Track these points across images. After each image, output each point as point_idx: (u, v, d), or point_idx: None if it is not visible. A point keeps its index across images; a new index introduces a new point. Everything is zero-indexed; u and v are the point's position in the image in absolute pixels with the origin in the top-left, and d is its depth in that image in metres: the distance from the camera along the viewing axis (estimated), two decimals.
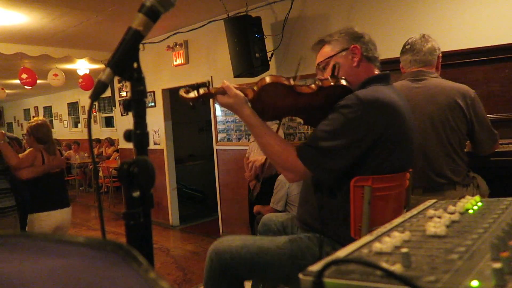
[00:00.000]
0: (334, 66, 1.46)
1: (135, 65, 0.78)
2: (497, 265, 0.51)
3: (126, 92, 6.11)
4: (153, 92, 5.63)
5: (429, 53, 2.10)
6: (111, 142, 9.25)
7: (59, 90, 10.97)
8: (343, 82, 1.44)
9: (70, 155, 9.01)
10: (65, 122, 12.31)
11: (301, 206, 1.63)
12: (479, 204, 0.92)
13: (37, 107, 13.71)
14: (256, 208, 3.55)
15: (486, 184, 2.16)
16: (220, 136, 4.97)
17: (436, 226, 0.74)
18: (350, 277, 0.54)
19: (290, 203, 3.23)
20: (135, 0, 1.59)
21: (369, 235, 0.75)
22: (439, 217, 0.82)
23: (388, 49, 2.30)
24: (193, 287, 3.62)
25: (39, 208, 3.16)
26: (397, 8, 3.29)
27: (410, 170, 1.54)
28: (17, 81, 6.22)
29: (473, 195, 1.25)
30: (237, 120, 4.73)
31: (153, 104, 5.68)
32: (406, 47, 2.15)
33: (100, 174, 7.88)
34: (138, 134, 0.77)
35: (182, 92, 1.45)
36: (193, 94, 1.44)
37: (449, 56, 2.62)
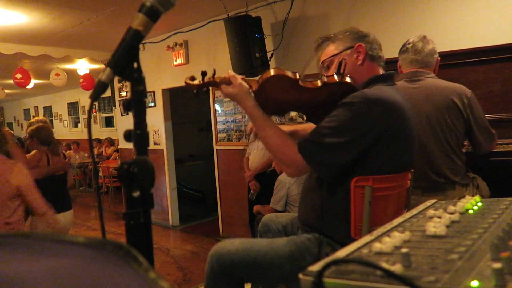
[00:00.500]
0: (340, 63, 1.46)
1: (135, 65, 0.78)
2: (497, 265, 0.51)
3: (126, 92, 6.11)
4: (153, 92, 5.63)
5: (430, 55, 2.10)
6: (111, 142, 9.26)
7: (59, 90, 10.98)
8: (348, 79, 1.44)
9: (70, 155, 9.00)
10: (65, 122, 12.31)
11: (301, 205, 1.63)
12: (479, 204, 0.92)
13: (37, 107, 13.71)
14: (256, 208, 3.55)
15: (487, 185, 2.16)
16: (220, 136, 4.97)
17: (436, 226, 0.74)
18: (350, 277, 0.54)
19: (290, 203, 3.23)
20: (135, 0, 1.59)
21: (369, 235, 0.75)
22: (439, 217, 0.82)
23: (388, 49, 2.30)
24: (193, 287, 3.62)
25: None
26: (397, 8, 3.29)
27: (412, 170, 1.54)
28: None
29: (473, 195, 1.25)
30: (237, 120, 4.73)
31: (153, 104, 5.68)
32: (407, 46, 2.15)
33: (100, 174, 7.88)
34: (138, 134, 0.77)
35: (187, 79, 1.46)
36: (197, 81, 1.45)
37: (449, 56, 2.63)
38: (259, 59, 3.72)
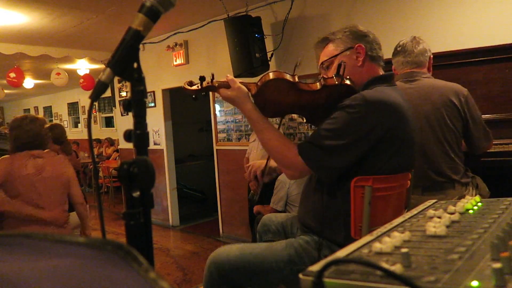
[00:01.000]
0: (339, 65, 1.45)
1: (135, 65, 0.78)
2: (497, 265, 0.51)
3: (126, 92, 6.11)
4: (153, 92, 5.63)
5: (420, 54, 2.12)
6: (111, 142, 9.26)
7: (59, 90, 10.98)
8: (348, 81, 1.44)
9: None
10: (65, 122, 12.29)
11: (301, 206, 1.63)
12: (479, 204, 0.92)
13: (37, 107, 13.69)
14: (256, 208, 3.55)
15: (486, 186, 2.16)
16: (220, 136, 4.97)
17: (436, 226, 0.74)
18: (350, 277, 0.54)
19: (290, 203, 3.23)
20: (135, 0, 1.59)
21: (369, 235, 0.75)
22: (439, 217, 0.82)
23: (388, 49, 2.30)
24: (193, 287, 3.62)
25: None
26: (397, 8, 3.29)
27: (412, 170, 1.53)
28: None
29: (472, 195, 1.25)
30: (237, 120, 4.73)
31: (153, 104, 5.68)
32: (398, 49, 2.18)
33: (100, 174, 7.88)
34: (138, 134, 0.77)
35: (185, 84, 1.46)
36: (196, 87, 1.45)
37: (449, 56, 2.63)
38: (259, 59, 3.72)
